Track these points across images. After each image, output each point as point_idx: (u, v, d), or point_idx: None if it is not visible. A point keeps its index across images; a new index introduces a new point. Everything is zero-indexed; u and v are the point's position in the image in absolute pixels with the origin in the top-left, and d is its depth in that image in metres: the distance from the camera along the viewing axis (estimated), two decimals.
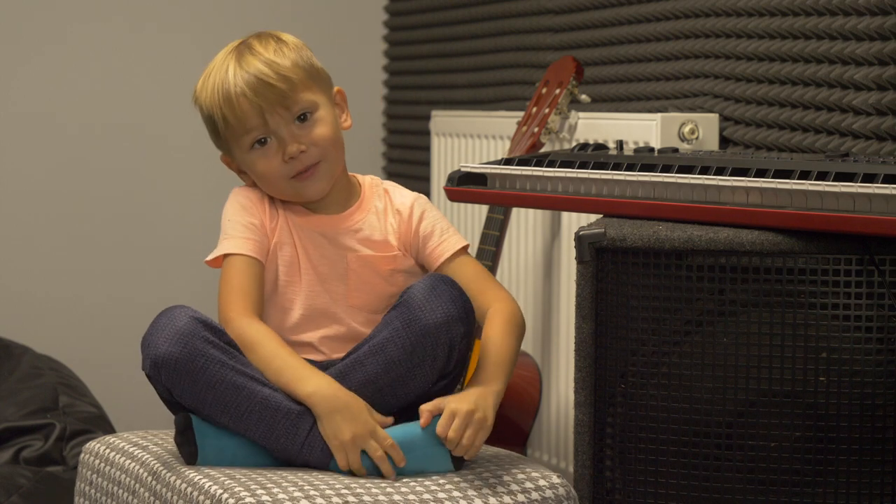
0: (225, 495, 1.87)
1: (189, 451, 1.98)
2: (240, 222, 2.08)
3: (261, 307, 2.06)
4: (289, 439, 1.96)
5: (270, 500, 1.86)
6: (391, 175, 3.95)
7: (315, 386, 1.96)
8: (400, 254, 2.11)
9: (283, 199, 2.11)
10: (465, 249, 2.14)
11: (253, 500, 1.85)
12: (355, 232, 2.11)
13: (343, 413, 1.94)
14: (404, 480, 1.96)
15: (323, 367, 2.02)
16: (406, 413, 2.01)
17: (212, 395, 1.95)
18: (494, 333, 2.06)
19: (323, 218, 2.11)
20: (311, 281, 2.08)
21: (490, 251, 2.85)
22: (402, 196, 2.15)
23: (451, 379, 2.03)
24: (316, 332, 2.09)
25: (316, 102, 2.07)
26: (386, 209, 2.13)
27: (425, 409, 1.96)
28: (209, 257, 2.09)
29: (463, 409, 1.95)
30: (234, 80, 2.06)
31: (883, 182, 1.87)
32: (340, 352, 2.07)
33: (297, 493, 1.88)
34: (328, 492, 1.89)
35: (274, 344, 2.00)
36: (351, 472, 1.96)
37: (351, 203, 2.13)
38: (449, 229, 2.15)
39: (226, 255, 2.08)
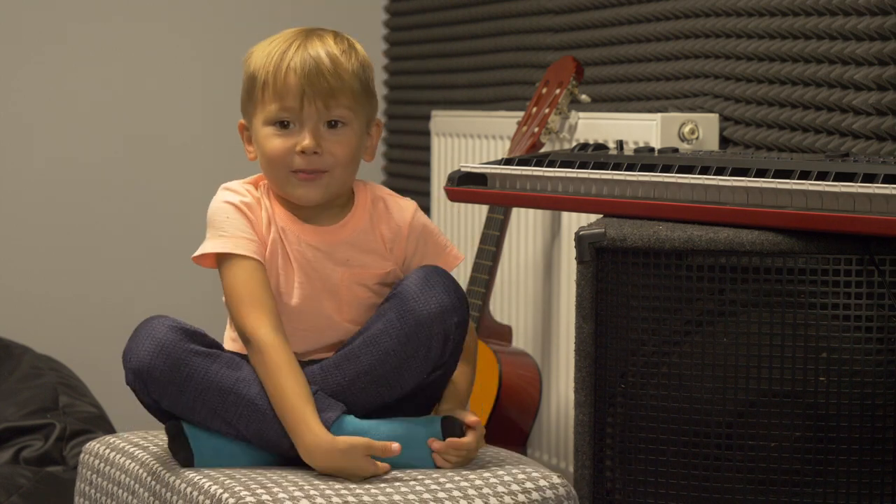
0: (225, 495, 1.87)
1: (185, 457, 1.98)
2: (240, 221, 2.02)
3: (278, 313, 2.00)
4: (280, 438, 1.96)
5: (271, 499, 1.86)
6: (391, 175, 3.95)
7: (306, 448, 1.93)
8: (392, 269, 2.07)
9: (274, 192, 2.05)
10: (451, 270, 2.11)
11: (253, 500, 1.85)
12: (349, 245, 2.05)
13: (343, 468, 1.93)
14: (404, 480, 1.96)
15: (308, 364, 2.03)
16: (401, 404, 2.02)
17: (200, 403, 1.96)
18: (468, 361, 2.10)
19: (317, 230, 2.05)
20: (301, 297, 2.03)
21: (490, 251, 2.85)
22: (400, 209, 2.08)
23: (446, 370, 2.03)
24: (298, 346, 2.04)
25: (353, 117, 2.02)
26: (380, 220, 2.07)
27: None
28: (200, 252, 2.02)
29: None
30: (292, 55, 2.00)
31: (883, 182, 1.87)
32: (318, 354, 2.06)
33: (297, 493, 1.88)
34: (328, 491, 1.89)
35: (281, 375, 1.95)
36: None
37: (345, 213, 2.06)
38: (445, 248, 2.11)
39: (227, 257, 2.00)
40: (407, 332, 1.97)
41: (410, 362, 1.98)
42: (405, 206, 2.09)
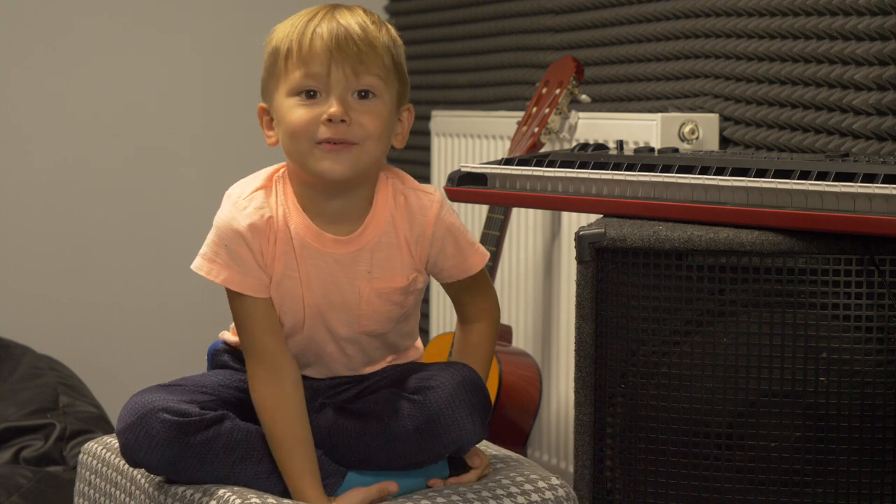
0: (233, 497, 1.87)
1: None
2: (240, 255, 1.91)
3: (281, 352, 1.93)
4: None
5: (275, 501, 1.86)
6: None
7: None
8: (415, 275, 1.98)
9: (294, 177, 1.94)
10: (483, 266, 2.04)
11: (258, 501, 1.85)
12: (371, 253, 1.94)
13: None
14: None
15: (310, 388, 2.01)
16: None
17: (198, 482, 1.93)
18: (482, 361, 2.04)
19: (337, 241, 1.93)
20: (316, 315, 1.95)
21: (490, 251, 2.85)
22: (423, 208, 1.97)
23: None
24: (315, 367, 2.02)
25: (384, 89, 1.89)
26: (402, 219, 1.96)
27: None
28: (196, 269, 1.93)
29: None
30: (318, 22, 1.87)
31: (883, 182, 1.87)
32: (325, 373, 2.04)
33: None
34: None
35: (281, 437, 1.91)
36: None
37: (365, 213, 1.95)
38: (472, 247, 2.01)
39: (233, 291, 1.93)
40: (422, 445, 1.91)
41: (420, 463, 1.94)
42: (428, 204, 1.97)
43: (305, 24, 1.88)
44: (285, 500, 1.86)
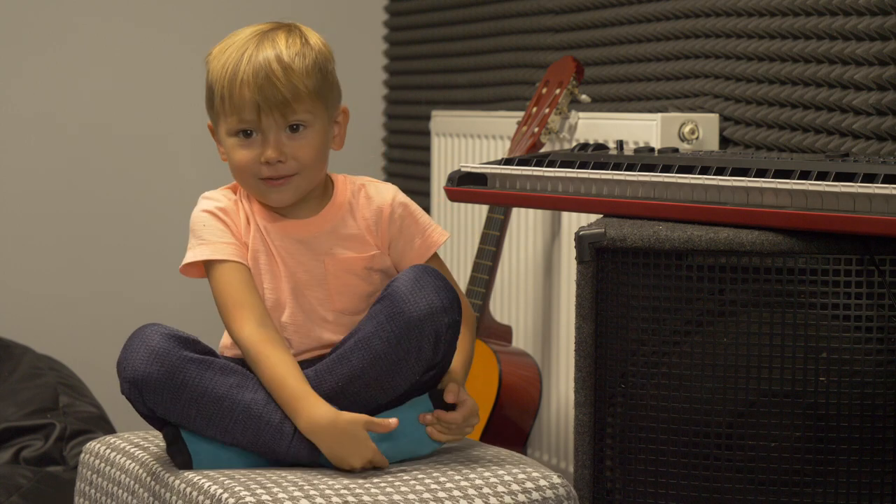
0: (225, 495, 1.87)
1: (183, 461, 1.98)
2: (217, 227, 2.05)
3: (264, 311, 2.02)
4: (275, 442, 1.97)
5: (271, 499, 1.86)
6: (391, 175, 3.95)
7: (308, 420, 1.94)
8: (377, 252, 2.07)
9: (250, 196, 2.08)
10: (437, 249, 2.13)
11: (253, 500, 1.85)
12: (330, 233, 2.06)
13: (344, 444, 1.94)
14: (405, 479, 1.96)
15: (303, 364, 2.04)
16: (396, 405, 2.03)
17: (195, 410, 1.96)
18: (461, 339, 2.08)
19: (298, 223, 2.06)
20: (289, 292, 2.05)
21: (490, 251, 2.85)
22: (380, 192, 2.09)
23: (439, 370, 2.03)
24: (293, 345, 2.07)
25: (313, 118, 2.02)
26: (361, 205, 2.08)
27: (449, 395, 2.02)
28: (186, 261, 2.05)
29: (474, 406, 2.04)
30: (244, 66, 2.02)
31: (883, 182, 1.88)
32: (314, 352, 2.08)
33: (296, 493, 1.88)
34: (328, 491, 1.89)
35: (272, 365, 1.97)
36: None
37: (324, 203, 2.08)
38: (427, 229, 2.10)
39: (210, 264, 2.04)
40: (398, 334, 1.96)
41: (402, 364, 1.98)
42: (384, 190, 2.10)
43: (234, 69, 2.03)
44: (281, 496, 1.87)
